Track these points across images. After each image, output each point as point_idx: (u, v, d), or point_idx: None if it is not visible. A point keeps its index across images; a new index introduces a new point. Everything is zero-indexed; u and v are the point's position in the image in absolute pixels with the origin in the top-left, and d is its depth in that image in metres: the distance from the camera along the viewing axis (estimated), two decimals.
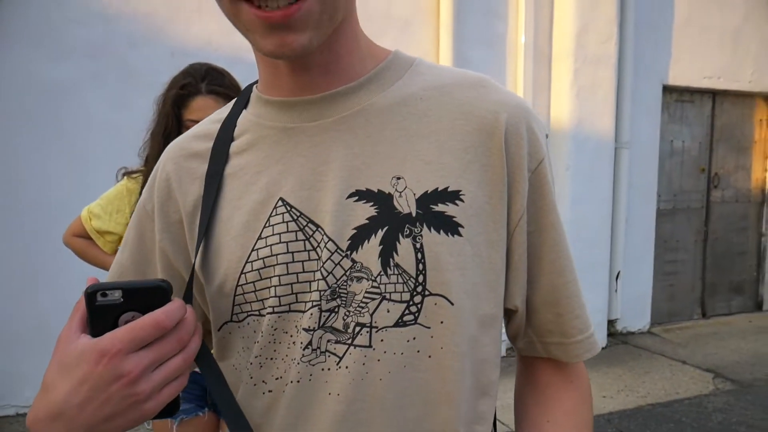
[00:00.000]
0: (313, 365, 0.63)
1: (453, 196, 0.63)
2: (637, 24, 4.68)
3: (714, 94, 5.35)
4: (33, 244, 3.42)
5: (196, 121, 1.36)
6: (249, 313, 0.66)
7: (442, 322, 0.62)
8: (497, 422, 0.78)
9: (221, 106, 1.53)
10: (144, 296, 0.55)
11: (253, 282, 0.65)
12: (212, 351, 0.70)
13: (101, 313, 0.54)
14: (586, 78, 4.42)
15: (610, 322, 4.93)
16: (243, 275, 0.65)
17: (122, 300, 0.54)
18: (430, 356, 0.62)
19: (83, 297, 0.55)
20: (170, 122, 1.58)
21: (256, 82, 0.73)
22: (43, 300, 3.44)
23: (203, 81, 1.59)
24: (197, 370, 0.67)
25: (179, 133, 1.48)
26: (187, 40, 3.65)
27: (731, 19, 5.16)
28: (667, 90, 5.09)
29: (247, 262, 0.65)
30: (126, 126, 3.55)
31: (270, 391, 0.65)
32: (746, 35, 5.25)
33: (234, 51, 3.66)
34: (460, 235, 0.63)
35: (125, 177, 1.70)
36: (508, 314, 0.72)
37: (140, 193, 1.64)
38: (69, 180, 3.45)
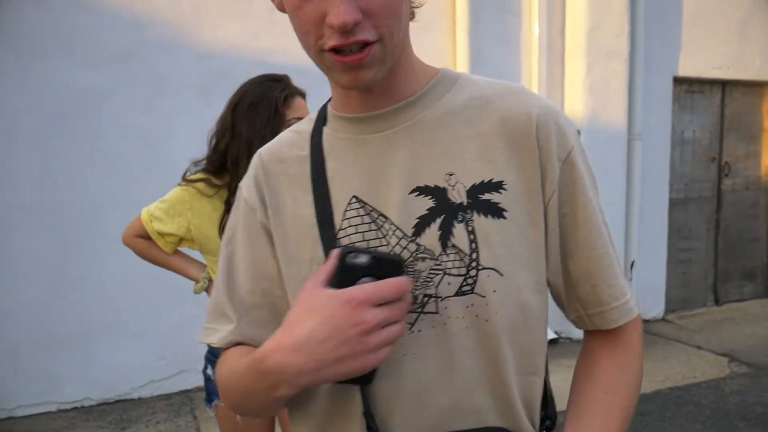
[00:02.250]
0: None
1: (497, 186, 0.75)
2: (647, 18, 4.77)
3: (723, 84, 5.44)
4: (69, 246, 3.55)
5: (299, 119, 1.52)
6: None
7: (494, 291, 0.74)
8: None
9: (305, 104, 1.68)
10: (384, 266, 0.64)
11: None
12: None
13: (347, 271, 0.64)
14: (598, 72, 4.52)
15: None
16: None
17: (367, 264, 0.63)
18: (487, 320, 0.74)
19: (335, 255, 0.65)
20: (277, 122, 1.68)
21: (329, 101, 0.86)
22: (79, 301, 3.58)
23: (290, 85, 1.76)
24: None
25: (279, 131, 1.60)
26: (213, 44, 3.77)
27: (738, 11, 5.24)
28: (678, 81, 5.18)
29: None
30: (155, 129, 3.68)
31: None
32: (753, 26, 5.33)
33: (259, 54, 3.77)
34: (504, 218, 0.75)
35: (186, 183, 1.76)
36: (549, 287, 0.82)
37: (199, 196, 1.72)
38: (103, 183, 3.58)
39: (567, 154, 0.78)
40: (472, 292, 0.73)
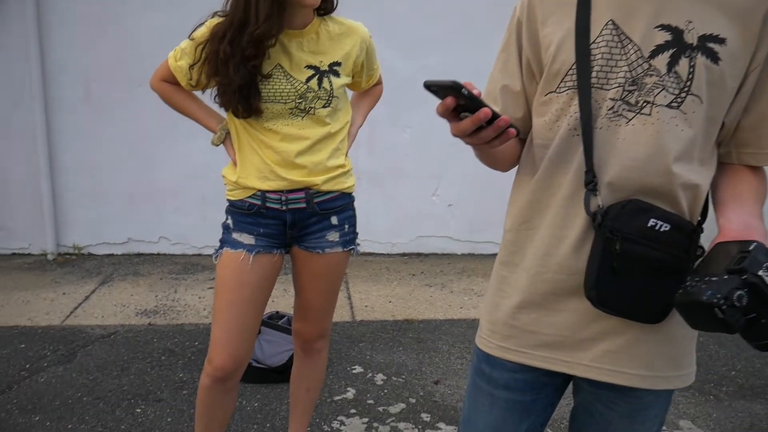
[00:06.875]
0: (611, 120, 1.00)
1: (721, 41, 0.97)
2: None
3: None
4: None
5: None
6: (569, 88, 1.02)
7: (693, 112, 0.98)
8: None
9: None
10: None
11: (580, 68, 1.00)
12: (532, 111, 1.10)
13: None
14: None
15: None
16: (575, 63, 1.01)
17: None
18: (682, 130, 0.98)
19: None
20: None
21: None
22: None
23: None
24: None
25: None
26: None
27: None
28: None
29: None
30: None
31: (578, 135, 1.02)
32: None
33: None
34: (717, 64, 0.97)
35: (215, 16, 1.72)
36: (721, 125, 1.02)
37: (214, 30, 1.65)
38: None
39: None
40: (678, 108, 0.98)
